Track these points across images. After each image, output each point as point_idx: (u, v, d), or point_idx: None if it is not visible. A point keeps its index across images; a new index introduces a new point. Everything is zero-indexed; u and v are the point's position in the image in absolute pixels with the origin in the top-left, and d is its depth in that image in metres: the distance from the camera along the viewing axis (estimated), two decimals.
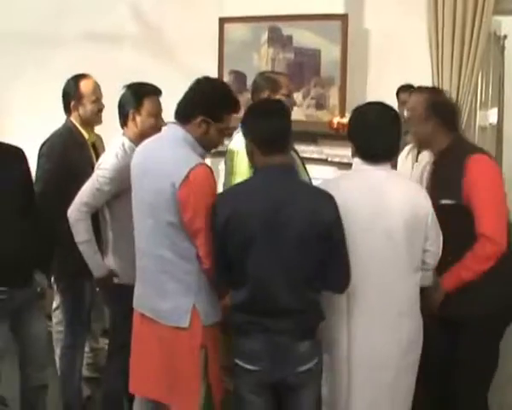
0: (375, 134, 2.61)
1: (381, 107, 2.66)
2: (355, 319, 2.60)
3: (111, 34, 5.74)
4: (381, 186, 2.59)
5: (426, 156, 3.22)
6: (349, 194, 2.57)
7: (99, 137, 3.74)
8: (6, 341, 3.04)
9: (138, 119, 3.14)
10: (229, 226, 2.47)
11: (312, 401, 2.59)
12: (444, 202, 2.80)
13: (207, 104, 2.65)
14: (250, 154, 2.59)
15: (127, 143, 3.14)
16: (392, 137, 2.63)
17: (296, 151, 3.58)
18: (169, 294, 2.65)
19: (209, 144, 2.73)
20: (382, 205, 2.57)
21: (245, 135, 2.60)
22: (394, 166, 3.54)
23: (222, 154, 5.29)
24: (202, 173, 2.55)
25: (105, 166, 3.09)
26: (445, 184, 2.88)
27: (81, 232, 3.07)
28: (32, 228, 2.99)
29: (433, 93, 3.04)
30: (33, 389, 3.15)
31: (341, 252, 2.51)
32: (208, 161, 5.37)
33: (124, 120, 3.20)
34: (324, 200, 2.50)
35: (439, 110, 2.89)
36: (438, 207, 2.68)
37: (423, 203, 2.63)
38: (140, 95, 3.14)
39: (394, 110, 2.68)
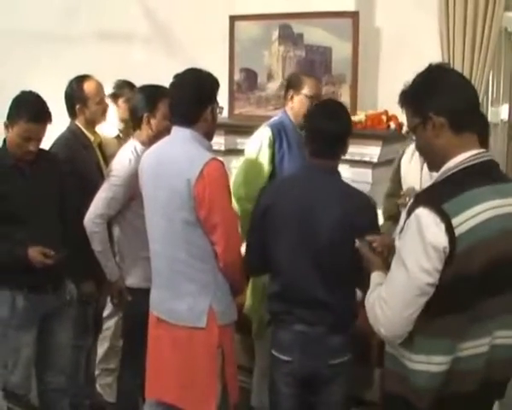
0: None
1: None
2: None
3: (122, 33, 5.75)
4: None
5: None
6: None
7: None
8: (34, 346, 3.07)
9: (153, 122, 3.12)
10: (267, 216, 2.58)
11: (342, 396, 2.66)
12: None
13: (211, 93, 2.71)
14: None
15: (139, 146, 3.12)
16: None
17: None
18: (185, 294, 2.66)
19: (215, 129, 2.82)
20: None
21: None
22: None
23: (233, 152, 5.32)
24: (216, 168, 2.58)
25: (118, 173, 3.07)
26: None
27: (96, 243, 3.09)
28: (66, 233, 3.02)
29: None
30: (50, 392, 3.17)
31: None
32: (219, 159, 5.44)
33: (137, 124, 3.17)
34: (362, 204, 2.57)
35: None
36: None
37: None
38: (154, 98, 3.12)
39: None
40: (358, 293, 2.64)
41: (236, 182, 3.51)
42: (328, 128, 2.56)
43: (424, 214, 1.79)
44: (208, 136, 2.74)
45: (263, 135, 3.49)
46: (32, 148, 2.91)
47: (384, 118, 4.76)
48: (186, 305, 2.65)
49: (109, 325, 3.96)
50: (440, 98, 1.89)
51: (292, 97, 3.51)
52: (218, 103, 2.79)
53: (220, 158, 5.35)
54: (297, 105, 3.49)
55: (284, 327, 2.62)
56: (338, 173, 2.69)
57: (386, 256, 2.13)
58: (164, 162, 2.68)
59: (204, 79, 2.72)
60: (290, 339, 2.60)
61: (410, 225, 1.83)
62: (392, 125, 4.75)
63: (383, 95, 4.91)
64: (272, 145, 3.42)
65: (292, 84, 3.52)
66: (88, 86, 3.47)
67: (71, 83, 3.50)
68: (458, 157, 1.88)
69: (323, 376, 2.61)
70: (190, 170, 2.55)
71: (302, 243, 2.54)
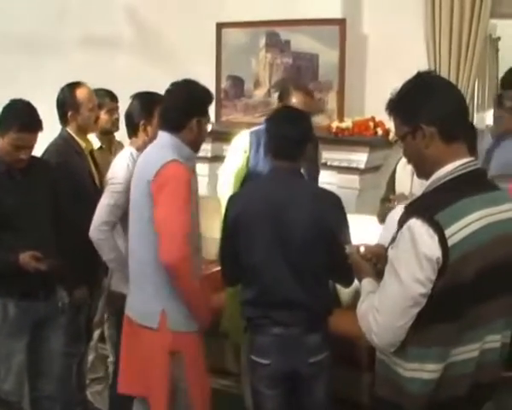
0: None
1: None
2: None
3: (108, 39, 5.74)
4: None
5: None
6: None
7: (120, 144, 3.80)
8: (26, 353, 3.04)
9: (149, 129, 3.11)
10: (238, 224, 2.62)
11: (324, 393, 2.68)
12: None
13: (200, 105, 2.75)
14: None
15: (135, 153, 3.12)
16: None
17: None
18: (143, 295, 2.72)
19: (201, 141, 2.83)
20: None
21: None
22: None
23: (219, 159, 5.31)
24: (173, 168, 2.61)
25: (118, 179, 3.07)
26: None
27: (106, 251, 3.06)
28: (59, 241, 3.01)
29: None
30: (42, 398, 3.15)
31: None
32: (206, 166, 5.43)
33: (133, 131, 3.16)
34: (330, 202, 2.64)
35: None
36: None
37: None
38: (150, 105, 3.10)
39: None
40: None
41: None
42: (289, 132, 2.64)
43: (417, 225, 1.78)
44: (193, 146, 2.76)
45: (239, 140, 3.54)
46: (23, 156, 2.91)
47: (371, 124, 4.78)
48: (144, 304, 2.72)
49: (95, 334, 3.94)
50: (430, 108, 1.88)
51: None
52: (208, 118, 2.82)
53: (206, 165, 5.45)
54: None
55: (261, 331, 2.65)
56: (302, 175, 2.79)
57: (375, 263, 2.13)
58: (140, 165, 2.78)
59: (196, 90, 2.77)
60: (268, 342, 2.63)
61: (403, 235, 1.83)
62: (379, 131, 4.77)
63: (370, 101, 4.93)
64: (248, 150, 3.46)
65: (282, 96, 3.52)
66: (80, 93, 3.44)
67: (63, 89, 3.47)
68: (448, 166, 1.88)
69: (304, 375, 2.63)
70: (151, 171, 2.62)
71: (276, 245, 2.57)
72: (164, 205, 2.59)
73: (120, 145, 3.87)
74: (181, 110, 2.71)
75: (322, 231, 2.54)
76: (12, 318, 2.94)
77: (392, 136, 4.82)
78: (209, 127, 2.86)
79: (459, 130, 1.91)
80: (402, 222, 1.84)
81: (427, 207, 1.82)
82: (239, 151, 3.51)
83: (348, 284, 2.73)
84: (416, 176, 2.04)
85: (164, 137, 2.73)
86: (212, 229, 3.93)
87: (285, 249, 2.57)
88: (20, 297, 2.93)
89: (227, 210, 2.71)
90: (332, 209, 2.61)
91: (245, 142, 3.50)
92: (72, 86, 3.44)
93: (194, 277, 2.67)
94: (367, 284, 2.03)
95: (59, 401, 3.24)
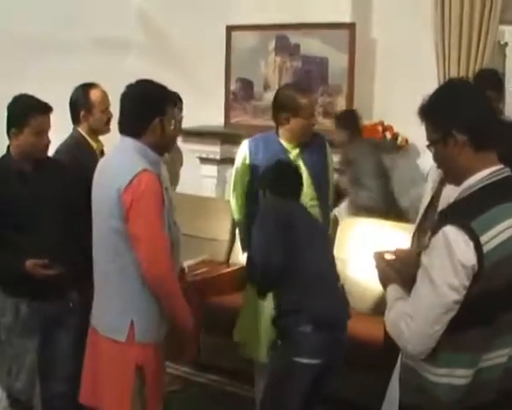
0: None
1: None
2: None
3: (117, 42, 5.77)
4: None
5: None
6: None
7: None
8: (36, 353, 3.04)
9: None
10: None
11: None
12: None
13: (158, 104, 2.62)
14: None
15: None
16: None
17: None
18: (109, 307, 2.63)
19: (169, 141, 2.73)
20: None
21: None
22: None
23: (228, 161, 5.33)
24: (146, 179, 2.51)
25: None
26: None
27: None
28: (69, 241, 3.02)
29: None
30: (54, 397, 3.17)
31: None
32: (215, 168, 5.46)
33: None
34: None
35: None
36: None
37: None
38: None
39: None
40: None
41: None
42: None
43: (452, 232, 1.79)
44: (159, 149, 2.66)
45: (240, 148, 3.48)
46: (46, 141, 2.95)
47: (380, 128, 4.79)
48: (108, 316, 2.63)
49: None
50: (463, 116, 1.88)
51: (287, 119, 3.39)
52: (172, 116, 2.69)
53: (214, 167, 5.46)
54: (295, 126, 3.38)
55: (313, 331, 2.72)
56: None
57: (399, 269, 2.12)
58: (100, 171, 2.69)
59: (151, 90, 2.65)
60: (321, 341, 2.71)
61: (437, 242, 1.83)
62: (388, 135, 4.78)
63: (379, 105, 4.94)
64: (250, 157, 3.40)
65: (288, 108, 3.39)
66: (94, 94, 3.45)
67: (77, 89, 3.48)
68: (479, 174, 1.88)
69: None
70: (120, 179, 2.51)
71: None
72: (143, 219, 2.50)
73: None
74: (137, 113, 2.60)
75: None
76: (24, 317, 2.95)
77: (400, 140, 4.85)
78: (174, 124, 2.70)
79: (489, 138, 1.91)
80: (436, 229, 1.84)
81: (461, 215, 1.83)
82: (241, 161, 3.41)
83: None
84: (446, 182, 2.04)
85: (126, 141, 2.61)
86: (221, 231, 3.96)
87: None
88: (32, 298, 2.95)
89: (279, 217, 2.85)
90: None
91: (244, 150, 3.41)
92: (86, 87, 3.45)
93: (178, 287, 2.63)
94: (393, 290, 2.02)
95: (72, 401, 3.26)
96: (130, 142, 2.59)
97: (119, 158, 2.62)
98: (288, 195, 2.94)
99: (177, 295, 2.60)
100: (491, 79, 3.76)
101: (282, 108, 3.31)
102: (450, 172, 1.97)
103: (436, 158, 1.98)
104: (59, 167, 3.12)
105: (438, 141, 1.91)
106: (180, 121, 3.91)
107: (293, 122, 3.29)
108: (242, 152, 3.42)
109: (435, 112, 1.93)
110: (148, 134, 2.58)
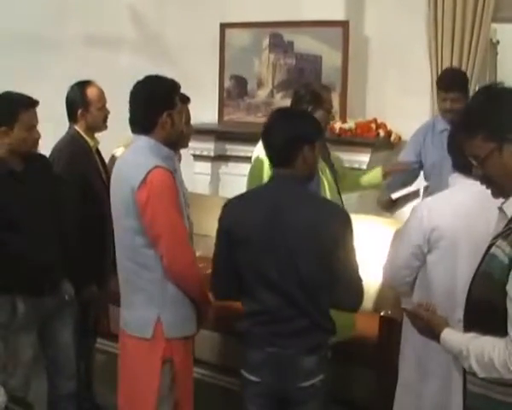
0: None
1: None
2: None
3: (111, 38, 5.76)
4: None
5: None
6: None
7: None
8: (35, 348, 3.05)
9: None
10: (231, 234, 2.43)
11: None
12: None
13: (165, 97, 2.63)
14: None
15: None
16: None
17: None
18: (134, 304, 2.65)
19: (179, 135, 2.72)
20: None
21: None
22: None
23: (222, 158, 5.33)
24: (160, 176, 2.54)
25: None
26: None
27: None
28: (60, 236, 3.02)
29: None
30: (61, 398, 3.17)
31: (346, 270, 2.39)
32: (208, 165, 5.46)
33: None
34: (330, 214, 2.42)
35: None
36: None
37: None
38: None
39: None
40: None
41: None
42: (271, 139, 2.48)
43: None
44: (171, 143, 2.67)
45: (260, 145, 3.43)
46: (37, 135, 2.94)
47: (373, 126, 4.81)
48: (134, 314, 2.65)
49: None
50: None
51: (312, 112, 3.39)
52: (181, 108, 2.72)
53: (208, 164, 5.45)
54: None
55: (254, 347, 2.46)
56: (301, 182, 2.50)
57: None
58: (116, 172, 2.72)
59: (158, 84, 2.66)
60: (261, 360, 2.44)
61: None
62: (381, 132, 4.80)
63: (372, 103, 4.95)
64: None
65: (312, 100, 3.40)
66: (91, 92, 3.45)
67: (73, 87, 3.47)
68: None
69: (294, 398, 2.45)
70: (134, 177, 2.54)
71: (270, 258, 2.38)
72: (160, 215, 2.52)
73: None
74: (145, 109, 2.62)
75: (316, 244, 2.33)
76: (21, 313, 2.95)
77: (393, 137, 4.86)
78: (185, 118, 2.75)
79: None
80: None
81: None
82: (260, 158, 3.29)
83: (351, 307, 2.53)
84: (493, 196, 1.91)
85: (139, 140, 2.64)
86: (215, 228, 3.96)
87: (278, 261, 2.36)
88: (28, 293, 2.95)
89: (219, 220, 2.49)
90: (331, 222, 2.37)
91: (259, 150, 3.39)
92: (83, 85, 3.44)
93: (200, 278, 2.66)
94: (453, 335, 1.91)
95: (77, 399, 3.26)
96: (143, 140, 2.63)
97: (133, 157, 2.65)
98: None
99: (200, 286, 2.66)
100: (456, 79, 3.79)
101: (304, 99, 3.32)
102: (506, 183, 1.85)
103: (490, 172, 1.86)
104: (45, 164, 3.11)
105: (493, 151, 1.81)
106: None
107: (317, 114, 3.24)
108: (261, 148, 3.38)
109: (487, 120, 1.82)
110: (158, 129, 2.62)
